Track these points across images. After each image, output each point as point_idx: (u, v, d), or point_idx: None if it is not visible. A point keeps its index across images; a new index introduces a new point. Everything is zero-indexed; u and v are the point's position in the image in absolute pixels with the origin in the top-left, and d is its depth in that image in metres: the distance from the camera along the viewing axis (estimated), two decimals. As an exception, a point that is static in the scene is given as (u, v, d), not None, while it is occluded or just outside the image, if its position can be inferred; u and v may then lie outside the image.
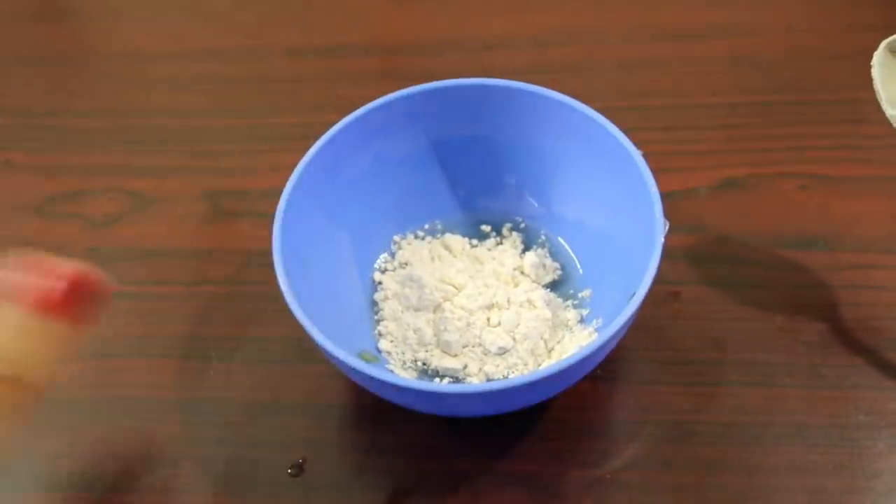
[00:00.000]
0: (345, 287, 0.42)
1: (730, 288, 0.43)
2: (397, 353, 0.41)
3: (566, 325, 0.41)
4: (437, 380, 0.40)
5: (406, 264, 0.44)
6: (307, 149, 0.40)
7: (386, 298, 0.43)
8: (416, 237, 0.45)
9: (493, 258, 0.43)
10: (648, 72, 0.55)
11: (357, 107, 0.41)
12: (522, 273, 0.43)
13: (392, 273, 0.44)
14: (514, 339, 0.40)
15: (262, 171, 0.52)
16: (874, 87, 0.36)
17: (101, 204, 0.52)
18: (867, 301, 0.42)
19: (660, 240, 0.35)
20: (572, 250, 0.43)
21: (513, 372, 0.40)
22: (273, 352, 0.43)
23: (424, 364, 0.41)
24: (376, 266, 0.44)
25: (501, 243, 0.44)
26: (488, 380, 0.39)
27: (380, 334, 0.42)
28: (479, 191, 0.45)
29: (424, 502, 0.38)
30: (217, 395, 0.42)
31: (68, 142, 0.56)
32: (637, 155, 0.37)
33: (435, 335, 0.41)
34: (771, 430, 0.38)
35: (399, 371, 0.40)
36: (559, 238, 0.44)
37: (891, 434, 0.38)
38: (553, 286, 0.43)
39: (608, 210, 0.40)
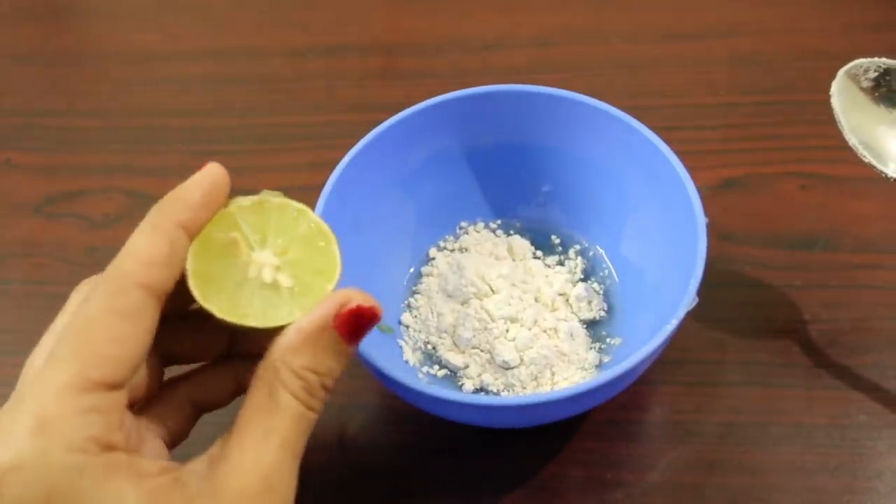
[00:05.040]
0: (392, 253, 0.42)
1: (730, 288, 0.43)
2: (414, 331, 0.41)
3: (582, 366, 0.40)
4: (437, 367, 0.40)
5: (465, 249, 0.44)
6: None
7: (430, 275, 0.43)
8: (488, 227, 0.45)
9: (546, 276, 0.42)
10: (648, 72, 0.55)
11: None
12: (567, 301, 0.41)
13: (447, 253, 0.44)
14: (521, 360, 0.39)
15: (261, 171, 0.52)
16: (835, 116, 0.35)
17: (101, 204, 0.52)
18: (867, 301, 0.42)
19: (682, 314, 0.33)
20: (625, 295, 0.41)
21: (508, 391, 0.39)
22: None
23: (434, 349, 0.41)
24: (438, 244, 0.44)
25: (563, 263, 0.43)
26: (482, 388, 0.39)
27: (409, 306, 0.42)
28: (563, 204, 0.44)
29: (424, 502, 0.38)
30: (217, 395, 0.42)
31: (68, 142, 0.56)
32: (701, 218, 0.35)
33: (453, 326, 0.41)
34: (771, 430, 0.38)
35: (407, 348, 0.40)
36: (617, 279, 0.42)
37: (891, 434, 0.38)
38: (591, 324, 0.41)
39: (659, 264, 0.39)
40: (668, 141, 0.38)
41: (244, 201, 0.31)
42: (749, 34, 0.56)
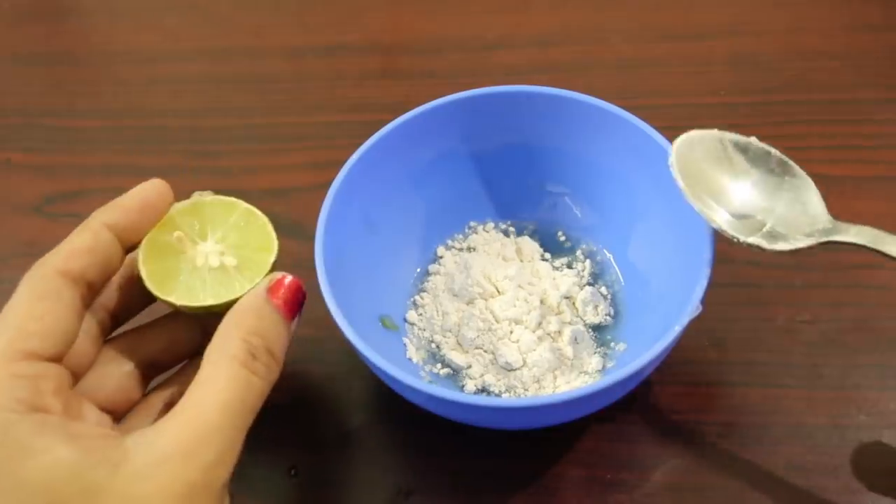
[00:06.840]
0: (400, 250, 0.42)
1: (730, 288, 0.43)
2: (419, 329, 0.41)
3: (585, 371, 0.39)
4: (440, 366, 0.40)
5: (473, 249, 0.44)
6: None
7: (437, 273, 0.43)
8: (497, 228, 0.45)
9: (553, 279, 0.42)
10: (648, 72, 0.55)
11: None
12: (573, 304, 0.41)
13: (455, 252, 0.44)
14: (524, 362, 0.39)
15: (261, 171, 0.52)
16: (676, 181, 0.34)
17: (101, 204, 0.51)
18: (867, 301, 0.42)
19: (686, 322, 0.32)
20: (631, 300, 0.41)
21: (509, 392, 0.39)
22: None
23: (437, 348, 0.41)
24: (446, 242, 0.44)
25: (571, 266, 0.43)
26: (484, 389, 0.39)
27: (414, 304, 0.42)
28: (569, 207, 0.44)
29: (424, 502, 0.38)
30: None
31: (68, 142, 0.56)
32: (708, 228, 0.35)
33: (458, 325, 0.41)
34: (771, 430, 0.38)
35: (411, 346, 0.40)
36: (625, 286, 0.42)
37: (891, 434, 0.38)
38: (597, 328, 0.41)
39: (665, 270, 0.39)
40: (667, 141, 0.38)
41: (180, 205, 0.35)
42: (749, 34, 0.56)
